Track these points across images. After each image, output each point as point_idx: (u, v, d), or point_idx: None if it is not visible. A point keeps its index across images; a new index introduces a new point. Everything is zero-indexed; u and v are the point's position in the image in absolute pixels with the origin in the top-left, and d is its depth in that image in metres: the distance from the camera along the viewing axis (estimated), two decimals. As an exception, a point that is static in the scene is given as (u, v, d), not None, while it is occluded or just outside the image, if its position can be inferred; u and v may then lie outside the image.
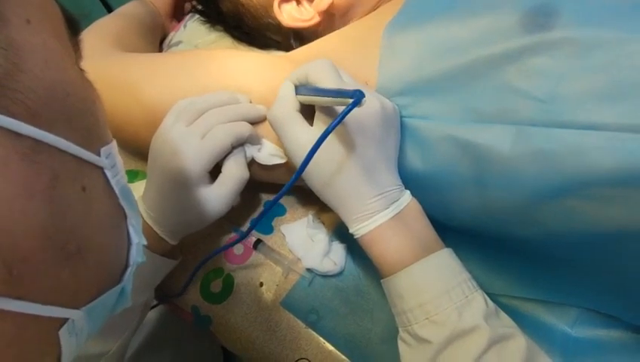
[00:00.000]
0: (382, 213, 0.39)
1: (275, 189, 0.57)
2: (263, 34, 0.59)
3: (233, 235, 0.57)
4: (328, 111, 0.39)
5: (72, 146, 0.18)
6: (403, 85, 0.42)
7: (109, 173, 0.21)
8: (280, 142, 0.47)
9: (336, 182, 0.40)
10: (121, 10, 0.67)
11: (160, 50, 0.71)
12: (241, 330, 0.52)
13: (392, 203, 0.40)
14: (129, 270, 0.23)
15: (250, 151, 0.47)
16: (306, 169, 0.40)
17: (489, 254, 0.49)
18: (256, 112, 0.46)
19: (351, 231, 0.41)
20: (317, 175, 0.40)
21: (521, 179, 0.39)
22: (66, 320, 0.19)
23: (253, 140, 0.46)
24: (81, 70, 0.21)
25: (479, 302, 0.39)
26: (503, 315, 0.40)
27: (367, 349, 0.51)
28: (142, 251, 0.24)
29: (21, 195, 0.16)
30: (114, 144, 0.22)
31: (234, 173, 0.45)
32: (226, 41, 0.63)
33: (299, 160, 0.40)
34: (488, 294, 0.41)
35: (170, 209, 0.45)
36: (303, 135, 0.40)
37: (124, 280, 0.23)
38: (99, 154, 0.20)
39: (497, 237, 0.46)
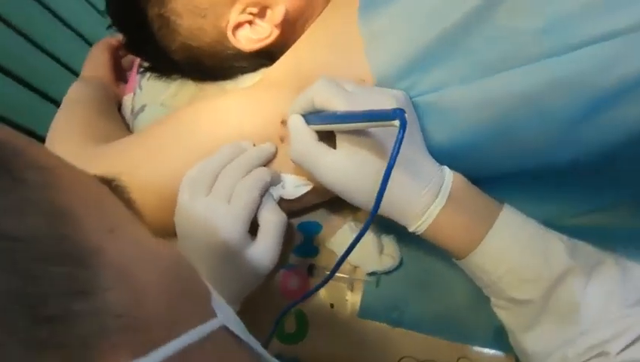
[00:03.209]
0: (435, 202, 0.38)
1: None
2: (226, 67, 0.56)
3: (282, 272, 0.55)
4: (353, 131, 0.37)
5: (202, 328, 0.17)
6: (399, 69, 0.41)
7: (232, 327, 0.19)
8: (299, 172, 0.46)
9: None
10: (71, 99, 0.62)
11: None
12: (332, 357, 0.52)
13: (440, 188, 0.39)
14: None
15: (276, 192, 0.45)
16: (346, 190, 0.39)
17: (531, 188, 0.49)
18: (266, 153, 0.45)
19: (411, 230, 0.40)
20: (361, 192, 0.39)
21: (550, 112, 0.38)
22: None
23: (274, 181, 0.45)
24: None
25: (557, 243, 0.39)
26: (581, 244, 0.40)
27: (457, 321, 0.51)
28: None
29: None
30: (215, 294, 0.21)
31: (273, 221, 0.43)
32: (189, 86, 0.60)
33: (340, 187, 0.39)
34: (551, 225, 0.41)
35: (224, 282, 0.43)
36: (334, 163, 0.38)
37: None
38: (215, 314, 0.19)
39: (535, 169, 0.45)
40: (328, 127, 0.38)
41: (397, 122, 0.30)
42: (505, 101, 0.39)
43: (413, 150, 0.39)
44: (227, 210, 0.42)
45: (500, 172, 0.45)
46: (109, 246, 0.15)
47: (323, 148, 0.39)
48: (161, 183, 0.46)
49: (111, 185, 0.20)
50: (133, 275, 0.15)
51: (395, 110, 0.30)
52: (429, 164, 0.40)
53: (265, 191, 0.44)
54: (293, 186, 0.46)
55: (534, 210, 0.44)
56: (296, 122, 0.40)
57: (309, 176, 0.46)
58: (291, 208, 0.48)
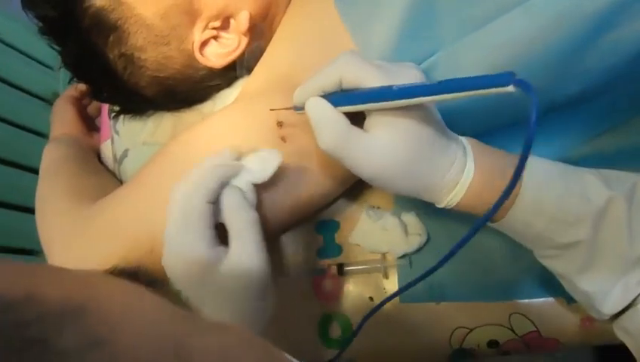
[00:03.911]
0: (464, 173, 0.37)
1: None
2: (200, 88, 0.53)
3: (313, 278, 0.54)
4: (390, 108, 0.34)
5: None
6: (391, 43, 0.39)
7: None
8: (319, 165, 0.44)
9: (415, 175, 0.36)
10: (47, 163, 0.59)
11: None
12: (387, 350, 0.51)
13: (465, 158, 0.37)
14: None
15: (241, 181, 0.39)
16: (393, 175, 0.35)
17: (543, 126, 0.48)
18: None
19: (442, 205, 0.39)
20: (393, 179, 0.36)
21: (554, 48, 0.38)
22: None
23: (228, 173, 0.38)
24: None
25: (589, 177, 0.38)
26: (608, 171, 0.40)
27: (498, 281, 0.50)
28: None
29: None
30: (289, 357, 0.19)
31: (240, 219, 0.37)
32: (167, 118, 0.57)
33: (387, 173, 0.35)
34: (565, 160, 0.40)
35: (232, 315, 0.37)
36: (373, 147, 0.34)
37: None
38: None
39: (547, 107, 0.44)
40: (361, 108, 0.34)
41: (511, 87, 0.27)
42: (507, 47, 0.38)
43: (432, 125, 0.37)
44: (176, 231, 0.37)
45: (511, 120, 0.44)
46: None
47: (357, 132, 0.34)
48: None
49: (138, 277, 0.18)
50: None
51: (505, 74, 0.27)
52: (448, 134, 0.38)
53: (216, 192, 0.38)
54: (261, 165, 0.39)
55: (550, 147, 0.44)
56: (322, 106, 0.34)
57: (334, 171, 0.44)
58: (305, 211, 0.47)
